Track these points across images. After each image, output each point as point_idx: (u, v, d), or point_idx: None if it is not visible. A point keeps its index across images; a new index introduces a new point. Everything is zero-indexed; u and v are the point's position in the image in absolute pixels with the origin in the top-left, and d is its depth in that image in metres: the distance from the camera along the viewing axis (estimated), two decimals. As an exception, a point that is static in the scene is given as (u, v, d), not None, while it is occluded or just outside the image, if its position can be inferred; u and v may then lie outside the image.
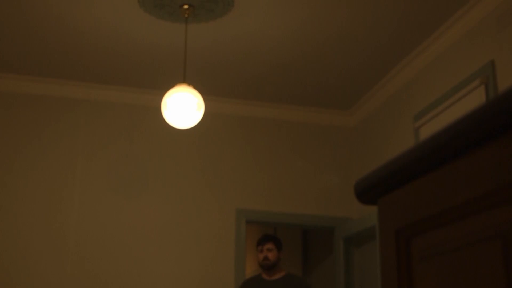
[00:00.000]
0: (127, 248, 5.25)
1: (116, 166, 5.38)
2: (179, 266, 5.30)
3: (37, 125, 5.34)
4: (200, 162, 5.57)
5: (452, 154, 0.77)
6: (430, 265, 0.80)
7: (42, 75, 5.30)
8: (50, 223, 5.16)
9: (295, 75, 5.21)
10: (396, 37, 4.59)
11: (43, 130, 5.35)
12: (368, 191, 0.93)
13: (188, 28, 4.49)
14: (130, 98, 5.55)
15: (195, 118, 4.22)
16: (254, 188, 5.62)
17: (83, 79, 5.37)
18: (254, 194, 5.60)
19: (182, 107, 4.14)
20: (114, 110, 5.52)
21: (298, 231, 7.42)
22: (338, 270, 5.61)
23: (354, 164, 5.80)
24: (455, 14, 4.26)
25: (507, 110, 0.67)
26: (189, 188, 5.49)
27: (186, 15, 4.25)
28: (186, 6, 4.22)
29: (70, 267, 5.11)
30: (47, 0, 4.24)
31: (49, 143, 5.33)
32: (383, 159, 5.29)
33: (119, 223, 5.28)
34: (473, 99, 4.03)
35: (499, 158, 0.69)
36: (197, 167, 5.55)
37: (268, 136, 5.78)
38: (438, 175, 0.79)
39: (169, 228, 5.36)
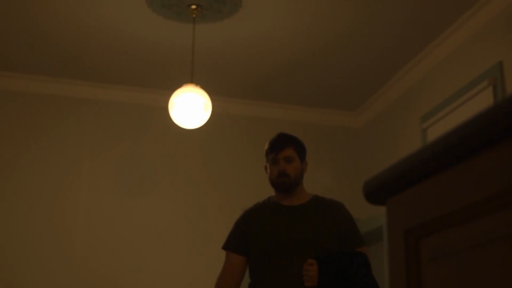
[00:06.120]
0: (133, 247, 5.25)
1: (122, 166, 5.39)
2: (185, 266, 5.30)
3: (44, 124, 5.36)
4: (206, 162, 5.57)
5: (461, 155, 0.77)
6: (439, 266, 0.80)
7: (49, 74, 5.32)
8: (56, 222, 5.17)
9: (302, 75, 5.21)
10: (404, 37, 4.58)
11: (50, 129, 5.36)
12: (377, 191, 0.93)
13: (195, 28, 4.49)
14: (137, 98, 5.56)
15: (202, 118, 4.22)
16: (260, 188, 5.61)
17: (90, 78, 5.38)
18: (260, 195, 5.58)
19: (189, 107, 4.14)
20: (121, 110, 5.53)
21: (305, 232, 7.40)
22: (344, 271, 5.60)
23: (361, 165, 5.79)
24: (463, 15, 4.25)
25: (517, 111, 0.67)
26: (195, 188, 5.49)
27: (194, 15, 4.25)
28: (194, 6, 4.22)
29: (76, 265, 5.12)
30: (54, 0, 4.26)
31: (56, 142, 5.34)
32: (390, 160, 5.28)
33: (125, 222, 5.29)
34: (481, 100, 4.02)
35: (508, 159, 0.69)
36: (204, 167, 5.56)
37: (275, 136, 5.77)
38: (447, 176, 0.79)
39: (175, 228, 5.37)
